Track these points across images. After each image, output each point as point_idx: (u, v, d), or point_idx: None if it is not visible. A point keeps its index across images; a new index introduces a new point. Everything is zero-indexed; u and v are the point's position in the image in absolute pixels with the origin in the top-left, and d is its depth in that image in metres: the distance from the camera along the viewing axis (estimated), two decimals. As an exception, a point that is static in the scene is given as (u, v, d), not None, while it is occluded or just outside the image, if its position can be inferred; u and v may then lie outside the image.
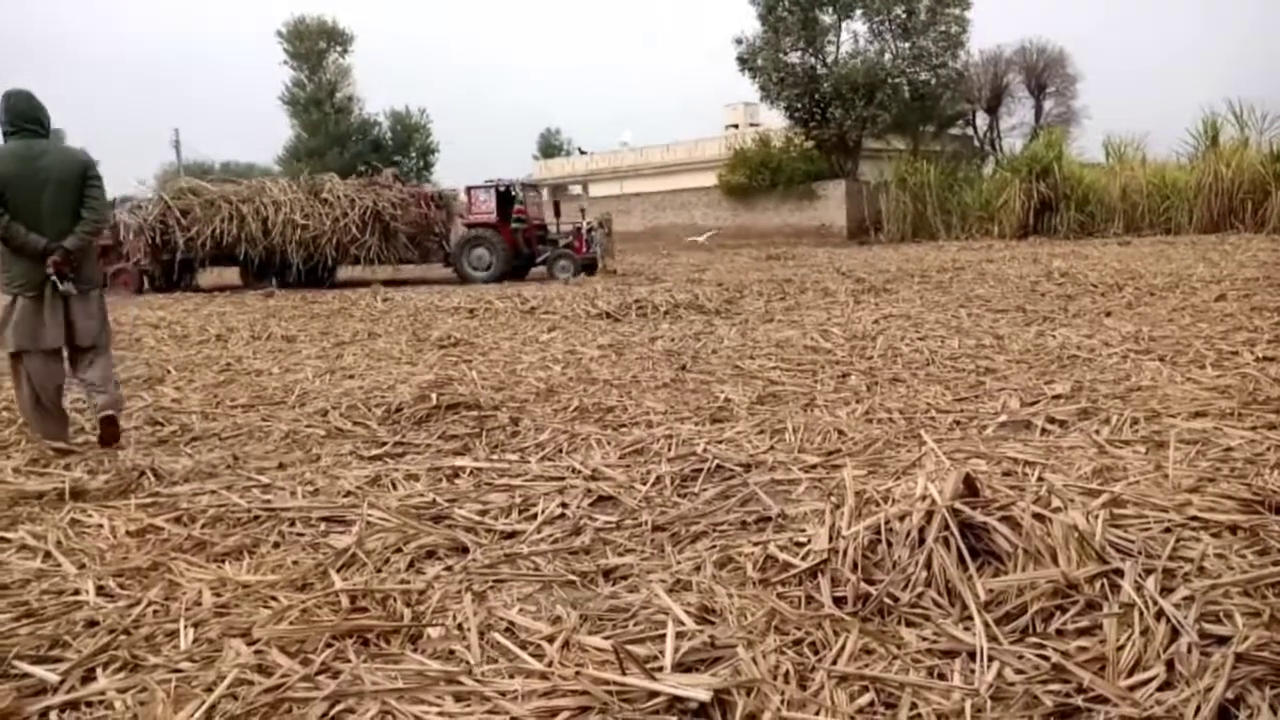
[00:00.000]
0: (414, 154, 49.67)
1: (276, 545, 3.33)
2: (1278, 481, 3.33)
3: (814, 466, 4.06)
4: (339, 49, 47.39)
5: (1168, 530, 2.88)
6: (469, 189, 20.64)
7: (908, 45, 31.39)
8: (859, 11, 32.09)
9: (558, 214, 20.49)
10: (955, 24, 31.06)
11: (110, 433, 4.87)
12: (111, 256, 20.17)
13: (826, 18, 32.48)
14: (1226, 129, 25.99)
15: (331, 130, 46.27)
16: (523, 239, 19.62)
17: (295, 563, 3.11)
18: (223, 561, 3.18)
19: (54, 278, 4.68)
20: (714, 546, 3.13)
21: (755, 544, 3.03)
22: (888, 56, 31.59)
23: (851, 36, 32.81)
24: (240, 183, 21.40)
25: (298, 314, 12.40)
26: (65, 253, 4.67)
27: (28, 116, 4.72)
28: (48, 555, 3.26)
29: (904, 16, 31.17)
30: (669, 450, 4.39)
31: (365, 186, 20.26)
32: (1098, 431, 4.32)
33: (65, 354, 4.94)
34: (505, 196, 19.87)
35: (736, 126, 42.22)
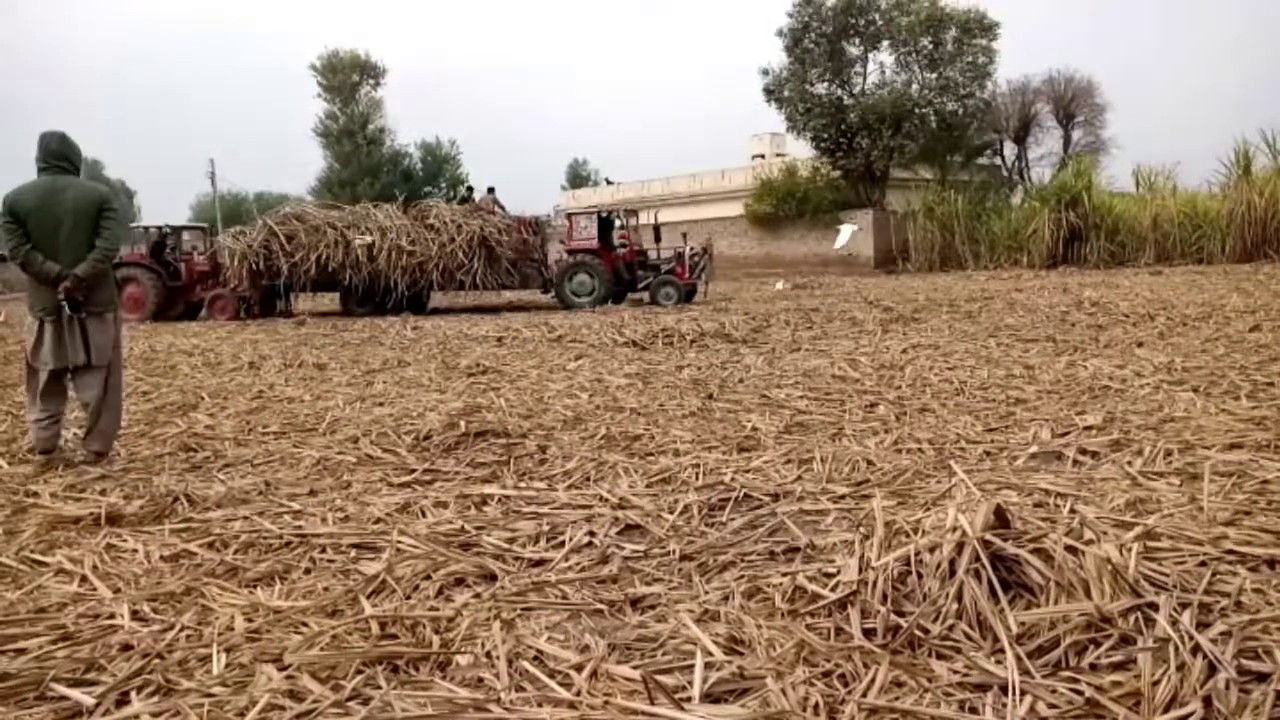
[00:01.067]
0: (444, 184, 50.32)
1: (308, 571, 3.36)
2: (1317, 515, 3.27)
3: (842, 497, 4.04)
4: (371, 82, 48.28)
5: (1203, 564, 2.84)
6: (570, 215, 20.73)
7: (934, 76, 31.49)
8: (885, 43, 32.30)
9: (658, 239, 20.47)
10: (982, 54, 31.15)
11: (98, 460, 5.18)
12: (209, 284, 20.52)
13: (853, 49, 32.71)
14: (1259, 158, 25.79)
15: (363, 161, 47.06)
16: (623, 264, 19.65)
17: (326, 589, 3.14)
18: (255, 587, 3.21)
19: (63, 302, 5.02)
20: (742, 576, 3.12)
21: (784, 574, 3.02)
22: (914, 87, 31.69)
23: (878, 67, 33.04)
24: (343, 208, 21.39)
25: (329, 342, 12.55)
26: (76, 279, 5.00)
27: (58, 155, 5.12)
28: (84, 579, 3.31)
29: (930, 48, 31.31)
30: (696, 479, 4.39)
31: (471, 212, 20.20)
32: (1130, 463, 4.27)
33: (70, 377, 5.23)
34: (606, 222, 19.99)
35: (763, 156, 42.38)
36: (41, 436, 5.18)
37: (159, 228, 21.87)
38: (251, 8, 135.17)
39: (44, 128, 5.18)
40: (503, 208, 21.27)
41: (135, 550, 3.61)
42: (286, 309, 20.13)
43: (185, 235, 22.36)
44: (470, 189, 22.88)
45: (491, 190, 22.03)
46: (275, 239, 19.29)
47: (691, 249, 19.45)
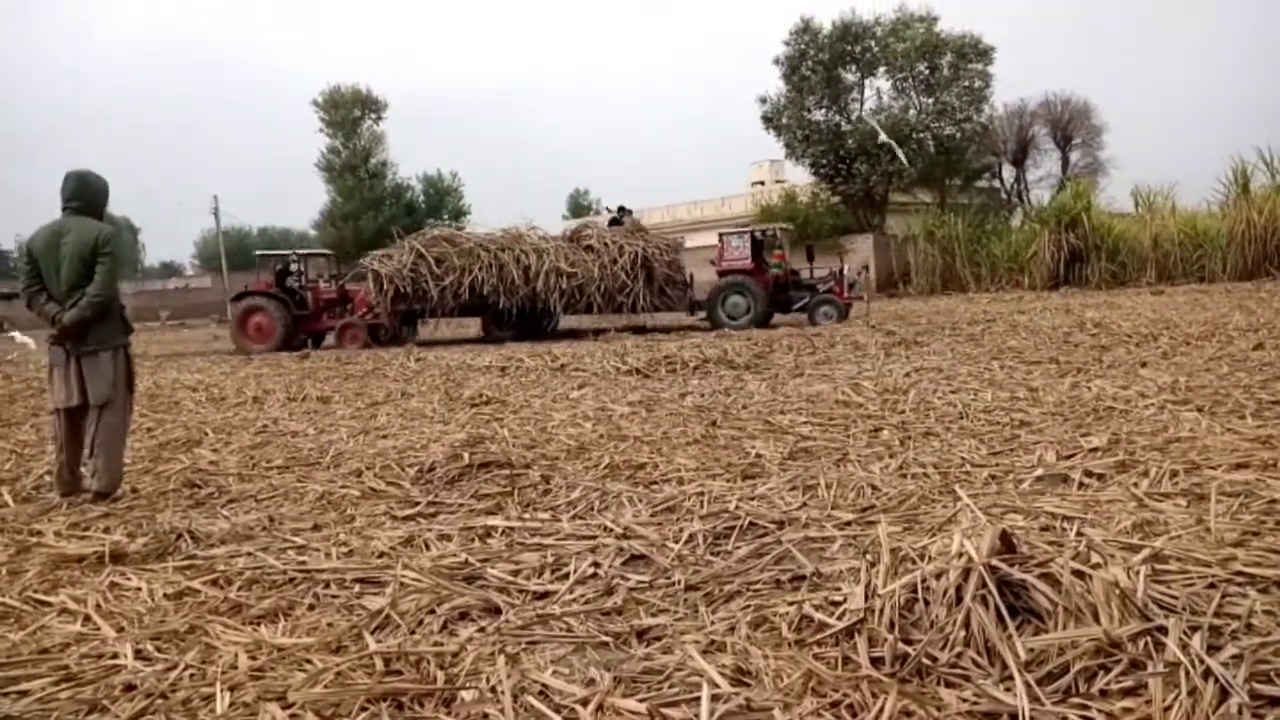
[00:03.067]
0: (446, 216, 50.58)
1: (311, 607, 3.35)
2: (1325, 535, 3.25)
3: (848, 523, 4.03)
4: (373, 116, 48.62)
5: (1212, 586, 2.82)
6: (721, 235, 20.25)
7: (931, 100, 31.71)
8: (882, 69, 32.54)
9: (811, 259, 20.17)
10: (978, 79, 31.38)
11: (99, 500, 5.16)
12: (335, 312, 20.21)
13: (850, 76, 32.97)
14: (1258, 176, 25.86)
15: (366, 195, 47.29)
16: (775, 285, 19.20)
17: (330, 625, 3.12)
18: (259, 624, 3.19)
19: (53, 344, 5.15)
20: (748, 606, 3.10)
21: (790, 603, 3.00)
22: (912, 112, 31.88)
23: (875, 94, 33.25)
24: (494, 231, 20.69)
25: (332, 375, 12.56)
26: (62, 326, 5.06)
27: (71, 195, 5.17)
28: (87, 619, 3.30)
29: (927, 73, 31.58)
30: (701, 508, 4.37)
31: (631, 232, 19.75)
32: (1136, 484, 4.25)
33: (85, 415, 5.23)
34: (759, 242, 19.63)
35: (763, 183, 42.62)
36: (60, 476, 5.23)
37: (284, 255, 21.51)
38: (252, 45, 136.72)
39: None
40: (644, 230, 20.83)
41: (139, 588, 3.60)
42: (411, 335, 19.56)
43: (297, 263, 21.62)
44: (623, 208, 21.98)
45: (625, 210, 21.61)
46: (423, 261, 18.64)
47: (849, 269, 19.10)
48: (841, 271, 19.19)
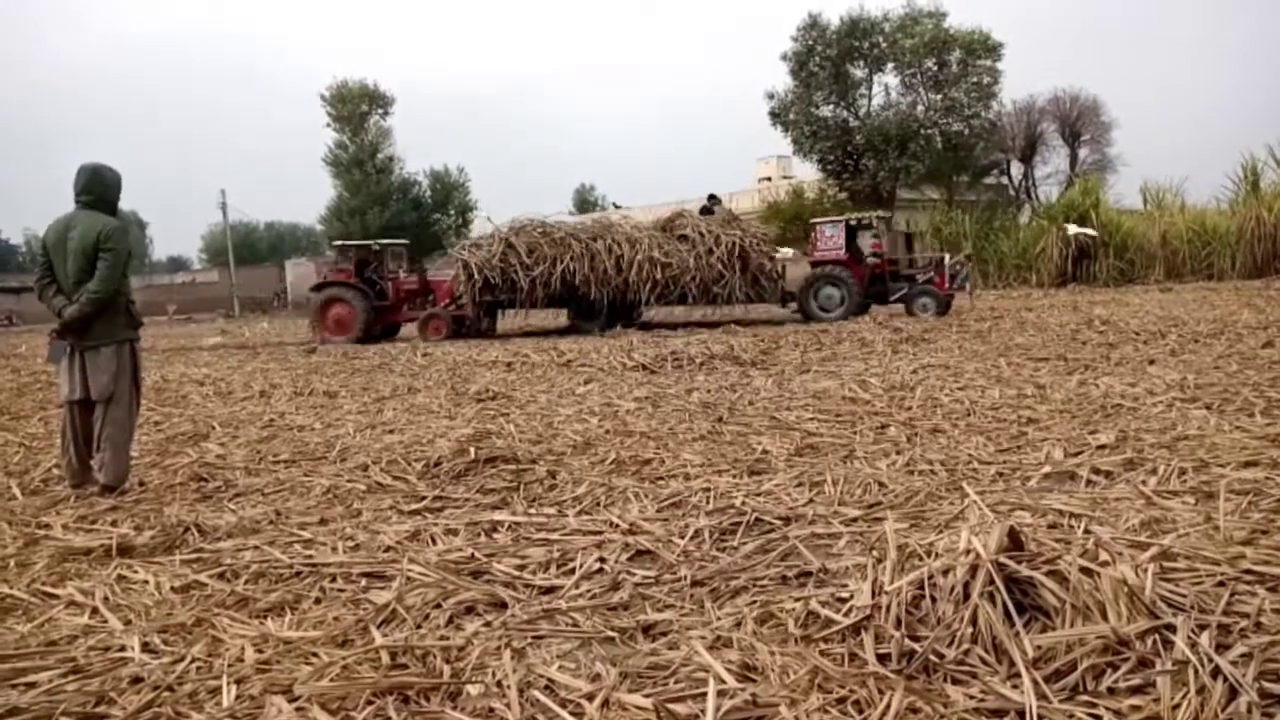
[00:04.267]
0: (453, 212, 50.56)
1: (318, 601, 3.35)
2: (1335, 533, 3.24)
3: (855, 520, 4.02)
4: (380, 111, 48.59)
5: (1221, 584, 2.80)
6: (815, 224, 19.67)
7: (939, 97, 31.58)
8: (890, 65, 32.42)
9: (910, 248, 19.34)
10: (987, 75, 31.23)
11: (105, 493, 5.17)
12: (416, 303, 19.94)
13: (858, 72, 32.84)
14: (1267, 173, 25.76)
15: (373, 189, 47.29)
16: (871, 275, 18.37)
17: (336, 619, 3.13)
18: (265, 617, 3.20)
19: (54, 338, 5.19)
20: (754, 602, 3.09)
21: (796, 599, 2.99)
22: (920, 108, 31.79)
23: (883, 89, 33.14)
24: (585, 220, 20.20)
25: (339, 370, 12.58)
26: (64, 321, 5.09)
27: (82, 189, 5.16)
28: (94, 611, 3.31)
29: (935, 69, 31.43)
30: (707, 503, 4.37)
31: (726, 221, 19.08)
32: (1144, 482, 4.24)
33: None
34: (854, 231, 18.77)
35: (770, 179, 42.51)
36: (70, 467, 5.26)
37: (363, 245, 21.00)
38: (259, 39, 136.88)
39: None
40: (735, 217, 20.11)
41: (146, 581, 3.61)
42: (491, 327, 19.24)
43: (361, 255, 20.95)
44: (713, 197, 21.22)
45: (715, 199, 21.00)
46: (513, 251, 18.14)
47: (952, 258, 18.13)
48: (943, 261, 18.21)
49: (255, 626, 3.08)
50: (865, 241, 18.93)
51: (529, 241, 18.25)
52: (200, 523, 4.38)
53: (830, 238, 18.53)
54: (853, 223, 18.96)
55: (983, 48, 31.03)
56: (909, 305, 17.57)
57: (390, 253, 21.24)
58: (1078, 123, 35.69)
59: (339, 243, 21.99)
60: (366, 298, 19.45)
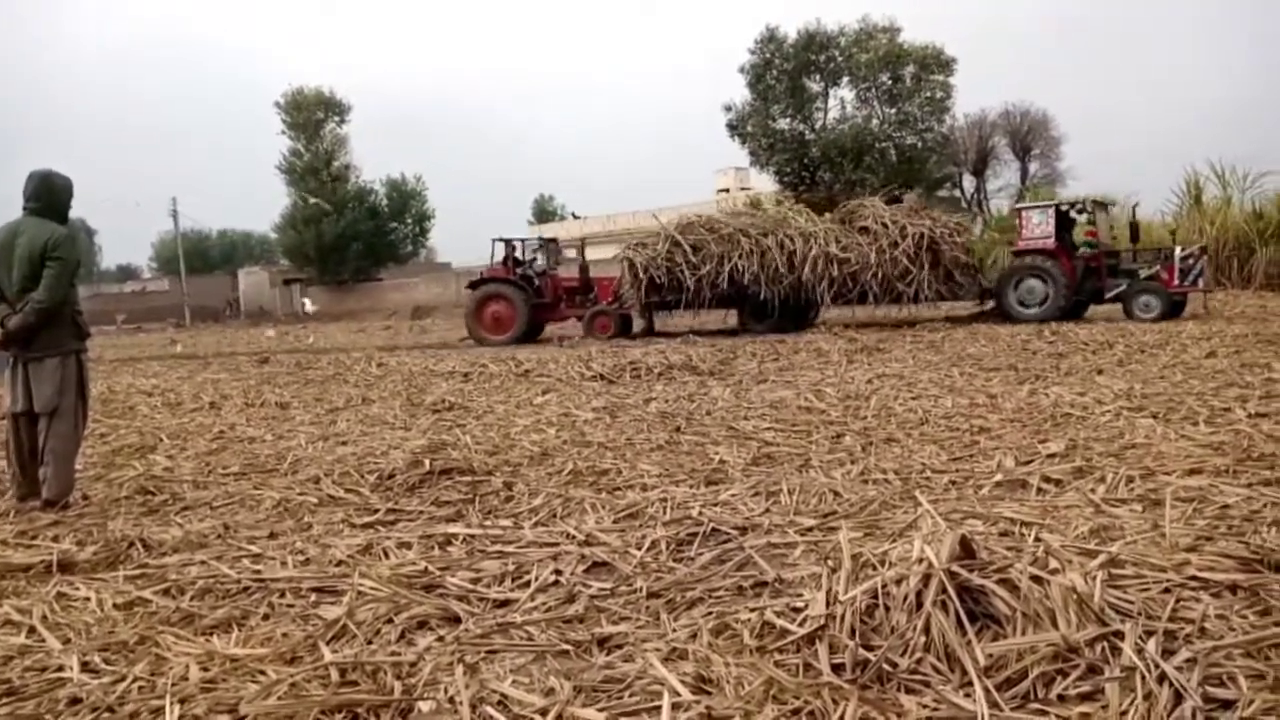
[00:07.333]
0: (410, 220, 50.15)
1: (266, 617, 3.28)
2: (1276, 539, 3.31)
3: (810, 529, 4.03)
4: (336, 119, 48.12)
5: (1167, 590, 2.85)
6: (1019, 209, 18.00)
7: (894, 110, 32.14)
8: (846, 79, 32.91)
9: (1135, 238, 16.95)
10: (940, 89, 31.86)
11: (47, 508, 5.03)
12: (576, 300, 19.33)
13: (814, 85, 33.30)
14: (1209, 188, 26.43)
15: (329, 198, 46.75)
16: (1083, 268, 16.31)
17: (285, 635, 3.06)
18: (211, 634, 3.12)
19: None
20: (710, 613, 3.08)
21: (752, 610, 2.99)
22: (875, 122, 32.28)
23: (839, 103, 33.64)
24: (755, 215, 19.17)
25: (292, 380, 12.38)
26: (6, 331, 4.96)
27: (30, 195, 5.04)
28: (32, 630, 3.20)
29: (890, 83, 31.97)
30: (664, 514, 4.35)
31: (912, 211, 17.73)
32: (1093, 490, 4.31)
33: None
34: (1066, 217, 16.81)
35: (728, 190, 42.78)
36: (15, 480, 5.14)
37: (513, 241, 20.02)
38: (211, 44, 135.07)
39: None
40: (925, 208, 18.81)
41: (87, 599, 3.50)
42: (649, 325, 18.58)
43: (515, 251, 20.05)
44: (901, 185, 20.51)
45: (902, 190, 20.11)
46: (679, 249, 17.34)
47: (1184, 250, 15.76)
48: (1172, 253, 15.79)
49: (200, 644, 3.00)
50: (1080, 233, 17.03)
51: (695, 239, 17.47)
52: (145, 537, 4.27)
53: (1038, 225, 16.49)
54: (1063, 208, 17.06)
55: (936, 63, 31.64)
56: (1128, 305, 15.48)
57: (547, 248, 20.35)
58: (1028, 137, 36.54)
59: (495, 238, 20.26)
60: (526, 295, 18.78)
